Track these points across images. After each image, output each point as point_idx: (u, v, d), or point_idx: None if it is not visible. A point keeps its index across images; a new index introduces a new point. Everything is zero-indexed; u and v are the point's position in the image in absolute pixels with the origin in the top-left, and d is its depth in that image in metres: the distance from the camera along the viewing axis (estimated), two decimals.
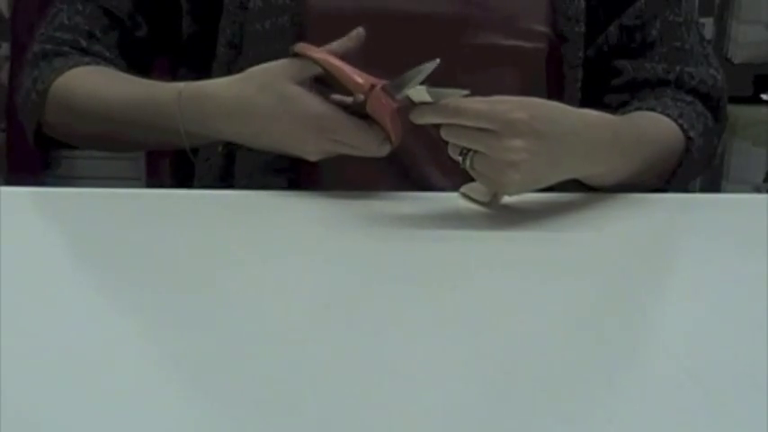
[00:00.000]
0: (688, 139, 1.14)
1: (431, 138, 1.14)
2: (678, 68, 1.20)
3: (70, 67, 1.18)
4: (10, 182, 2.27)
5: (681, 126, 1.14)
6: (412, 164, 1.16)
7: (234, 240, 0.98)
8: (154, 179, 2.51)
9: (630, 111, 1.16)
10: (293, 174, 1.14)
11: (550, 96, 1.17)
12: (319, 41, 1.14)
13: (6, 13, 2.68)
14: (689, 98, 1.19)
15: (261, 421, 0.69)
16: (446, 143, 1.01)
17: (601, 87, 1.21)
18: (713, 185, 2.54)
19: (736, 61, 2.55)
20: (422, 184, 1.16)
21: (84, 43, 1.21)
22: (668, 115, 1.15)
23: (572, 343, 0.81)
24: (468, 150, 0.99)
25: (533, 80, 1.18)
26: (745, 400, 0.72)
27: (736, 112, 2.66)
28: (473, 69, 1.16)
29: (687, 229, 1.08)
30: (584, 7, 1.18)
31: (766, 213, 1.06)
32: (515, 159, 0.98)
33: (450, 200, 1.06)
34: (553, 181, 1.03)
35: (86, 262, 0.96)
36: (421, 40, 1.15)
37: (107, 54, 1.21)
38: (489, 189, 1.03)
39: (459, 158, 1.00)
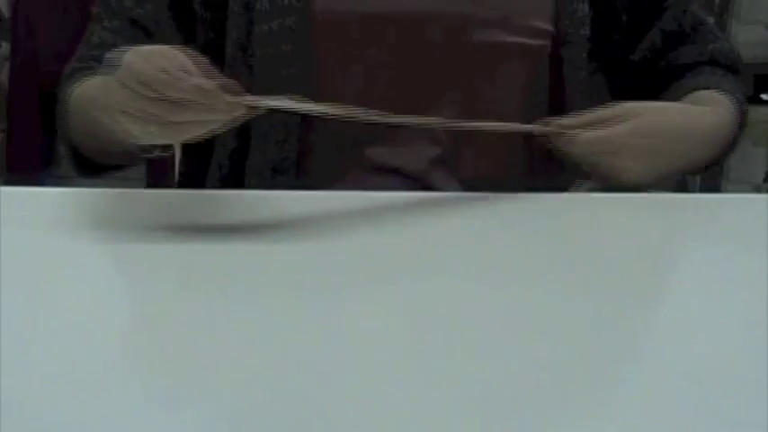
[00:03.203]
0: (743, 113, 1.23)
1: (437, 139, 1.14)
2: (709, 48, 1.27)
3: (79, 80, 1.16)
4: (10, 182, 2.27)
5: (736, 98, 1.23)
6: (415, 165, 1.16)
7: (234, 240, 0.98)
8: (154, 179, 2.52)
9: (686, 86, 1.23)
10: (301, 173, 1.14)
11: (552, 95, 1.18)
12: (325, 42, 1.14)
13: (6, 13, 2.68)
14: (721, 71, 1.27)
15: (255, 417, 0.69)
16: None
17: (645, 90, 1.25)
18: (713, 185, 2.55)
19: None
20: (424, 184, 1.16)
21: None
22: (725, 91, 1.23)
23: (573, 342, 0.81)
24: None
25: (537, 78, 1.18)
26: (745, 400, 0.72)
27: None
28: (477, 67, 1.16)
29: (687, 229, 1.08)
30: (589, 11, 1.18)
31: (766, 213, 1.06)
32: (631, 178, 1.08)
33: (454, 200, 1.06)
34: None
35: (86, 262, 0.96)
36: (426, 41, 1.15)
37: None
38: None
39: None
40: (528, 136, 1.15)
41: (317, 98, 1.14)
